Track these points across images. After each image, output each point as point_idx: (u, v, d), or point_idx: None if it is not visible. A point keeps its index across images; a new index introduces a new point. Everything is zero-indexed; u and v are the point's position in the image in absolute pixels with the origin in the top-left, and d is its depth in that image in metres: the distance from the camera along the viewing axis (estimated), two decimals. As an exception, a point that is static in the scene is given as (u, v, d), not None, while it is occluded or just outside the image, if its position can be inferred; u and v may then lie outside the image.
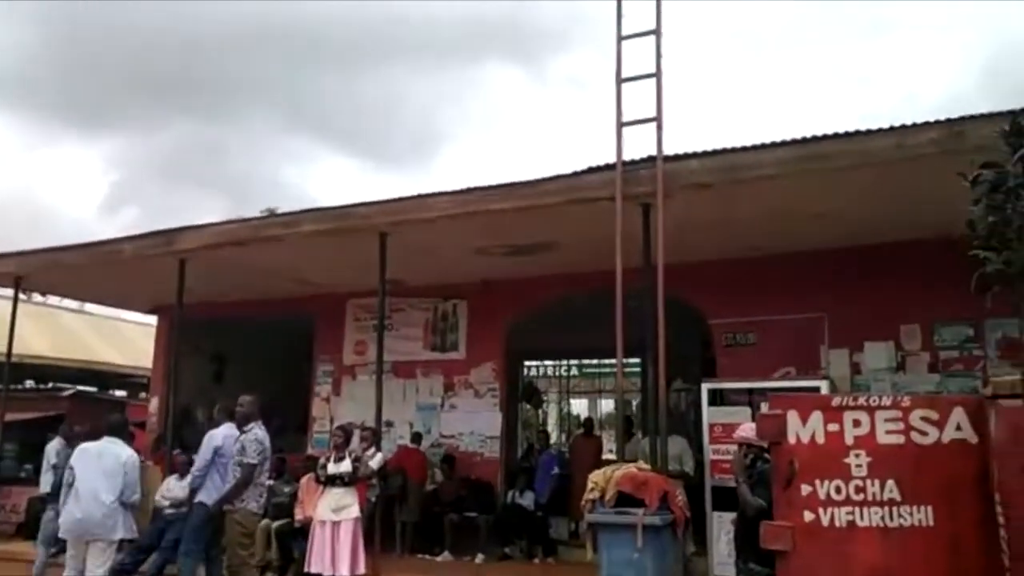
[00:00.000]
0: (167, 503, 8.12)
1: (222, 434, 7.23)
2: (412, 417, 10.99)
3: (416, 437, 10.48)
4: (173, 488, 8.18)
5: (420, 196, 8.13)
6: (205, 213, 47.51)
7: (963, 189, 3.74)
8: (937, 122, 5.76)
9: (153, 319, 14.16)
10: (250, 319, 12.34)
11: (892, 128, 5.94)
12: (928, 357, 8.21)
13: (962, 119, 5.64)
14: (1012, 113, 4.67)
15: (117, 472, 6.57)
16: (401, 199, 8.24)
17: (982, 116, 5.43)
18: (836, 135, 6.13)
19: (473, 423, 10.65)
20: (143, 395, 16.09)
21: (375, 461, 7.58)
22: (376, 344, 8.89)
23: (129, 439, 7.27)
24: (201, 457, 7.21)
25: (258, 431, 6.85)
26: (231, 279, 10.93)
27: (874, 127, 6.02)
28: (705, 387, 8.20)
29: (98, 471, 6.58)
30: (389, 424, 10.42)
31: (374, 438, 8.01)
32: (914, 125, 5.84)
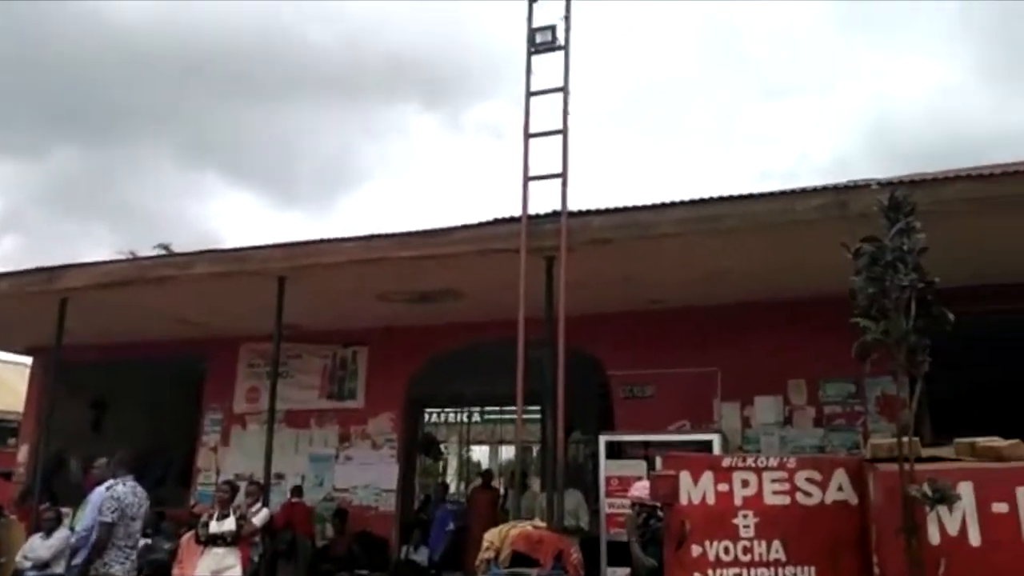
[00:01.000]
0: (29, 564, 7.48)
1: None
2: (304, 469, 10.57)
3: (296, 490, 10.01)
4: (37, 548, 7.55)
5: (323, 241, 7.97)
6: (95, 244, 45.20)
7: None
8: (823, 189, 6.07)
9: (29, 359, 13.21)
10: (134, 362, 11.69)
11: (781, 193, 6.22)
12: (813, 412, 8.53)
13: (846, 188, 5.96)
14: (891, 184, 4.98)
15: None
16: (303, 243, 8.06)
17: (864, 186, 5.74)
18: (729, 197, 6.37)
19: (368, 475, 10.32)
20: (12, 441, 14.92)
21: (259, 518, 7.20)
22: (269, 391, 8.56)
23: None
24: (89, 515, 6.64)
25: (119, 488, 6.32)
26: (116, 320, 10.34)
27: (765, 191, 6.30)
28: (603, 439, 8.26)
29: None
30: (280, 476, 10.00)
31: (260, 492, 7.62)
32: (802, 191, 6.13)
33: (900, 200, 3.66)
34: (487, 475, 12.22)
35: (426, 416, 16.35)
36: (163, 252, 13.68)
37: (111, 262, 9.38)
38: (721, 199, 6.38)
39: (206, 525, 6.96)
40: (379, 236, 7.69)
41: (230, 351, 11.29)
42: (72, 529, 7.51)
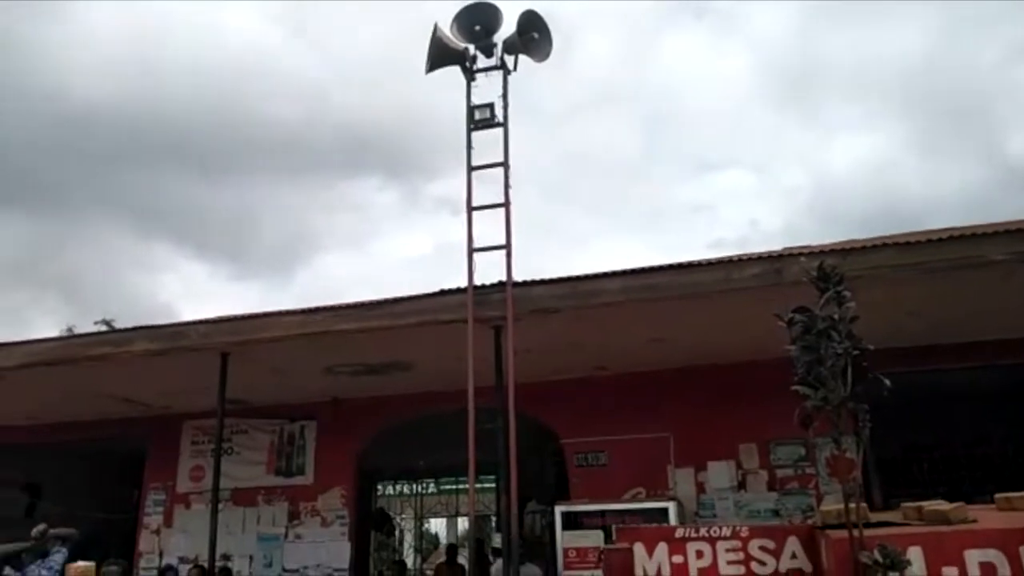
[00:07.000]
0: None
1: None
2: (252, 549, 10.16)
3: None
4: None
5: (264, 315, 7.85)
6: (43, 316, 43.65)
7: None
8: (759, 258, 6.22)
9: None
10: (71, 443, 11.21)
11: (720, 262, 6.36)
12: (766, 475, 8.53)
13: (780, 256, 6.12)
14: (823, 253, 5.12)
15: None
16: (243, 317, 7.93)
17: (797, 254, 5.91)
18: (670, 267, 6.48)
19: (319, 554, 9.96)
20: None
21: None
22: (213, 469, 8.28)
23: None
24: None
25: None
26: (49, 399, 9.94)
27: (703, 260, 6.42)
28: (559, 510, 8.14)
29: None
30: (226, 558, 9.63)
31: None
32: (740, 260, 6.28)
33: (828, 270, 3.76)
34: (452, 551, 11.83)
35: (379, 489, 15.96)
36: (103, 328, 13.30)
37: (42, 340, 9.03)
38: (661, 268, 6.49)
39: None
40: (321, 309, 7.62)
41: (172, 429, 10.92)
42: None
